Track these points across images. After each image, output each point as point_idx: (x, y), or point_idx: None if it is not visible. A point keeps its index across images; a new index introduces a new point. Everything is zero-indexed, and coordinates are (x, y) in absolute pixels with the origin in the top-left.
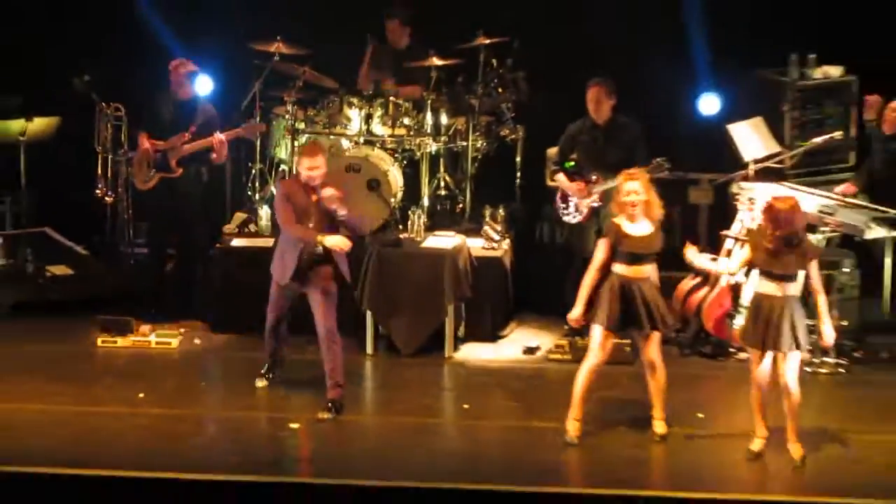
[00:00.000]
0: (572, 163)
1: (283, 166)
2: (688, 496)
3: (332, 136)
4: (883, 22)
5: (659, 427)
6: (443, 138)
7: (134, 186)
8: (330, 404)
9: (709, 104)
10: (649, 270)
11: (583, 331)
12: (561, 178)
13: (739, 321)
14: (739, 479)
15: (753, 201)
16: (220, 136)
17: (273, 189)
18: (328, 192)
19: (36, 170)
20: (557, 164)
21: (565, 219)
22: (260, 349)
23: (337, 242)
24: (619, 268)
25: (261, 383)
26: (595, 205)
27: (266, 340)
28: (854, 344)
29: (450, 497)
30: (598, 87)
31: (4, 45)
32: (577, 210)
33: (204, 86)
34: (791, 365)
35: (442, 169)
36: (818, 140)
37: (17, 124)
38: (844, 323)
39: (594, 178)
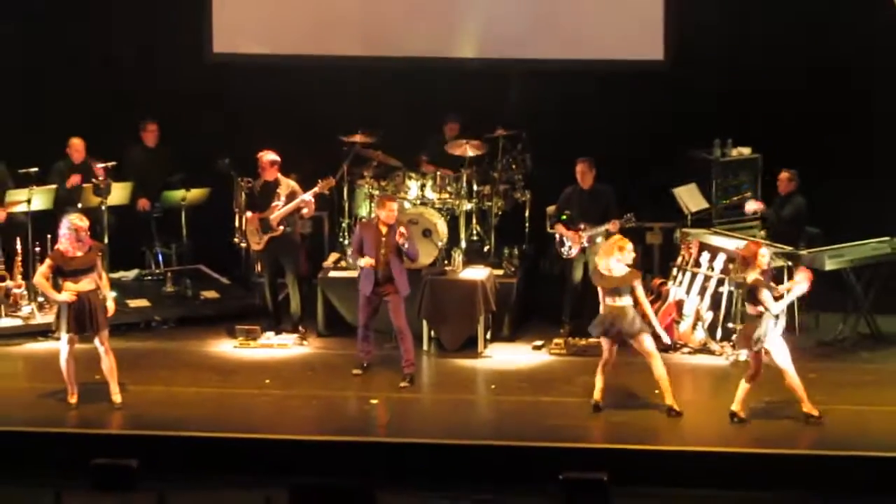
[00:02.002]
0: (566, 216)
1: (363, 220)
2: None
3: (397, 199)
4: (776, 115)
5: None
6: (474, 200)
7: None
8: (407, 377)
9: (659, 174)
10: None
11: (574, 332)
12: (559, 227)
13: (684, 326)
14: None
15: (690, 242)
16: (305, 197)
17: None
18: (402, 228)
19: (193, 225)
20: (556, 218)
21: (563, 255)
22: (351, 348)
23: (368, 262)
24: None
25: (357, 371)
26: (584, 245)
27: (358, 340)
28: None
29: (481, 450)
30: (584, 163)
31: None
32: (571, 249)
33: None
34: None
35: (474, 221)
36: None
37: (179, 193)
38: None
39: (582, 226)
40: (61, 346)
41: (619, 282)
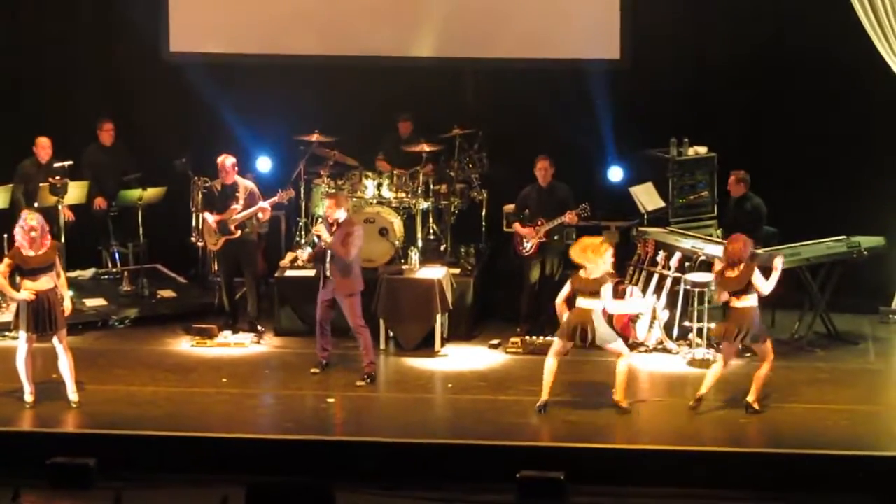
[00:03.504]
0: (524, 215)
1: (319, 220)
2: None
3: (354, 199)
4: (733, 114)
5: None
6: (431, 199)
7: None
8: (366, 375)
9: (615, 173)
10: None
11: (531, 331)
12: (517, 226)
13: (641, 326)
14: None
15: (647, 241)
16: (263, 205)
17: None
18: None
19: (149, 224)
20: (514, 216)
21: (521, 254)
22: (307, 347)
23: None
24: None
25: (315, 370)
26: (542, 240)
27: (317, 339)
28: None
29: (438, 449)
30: (545, 160)
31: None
32: (528, 248)
33: (264, 165)
34: None
35: (430, 220)
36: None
37: (136, 192)
38: (712, 325)
39: (540, 222)
40: (19, 344)
41: (595, 284)
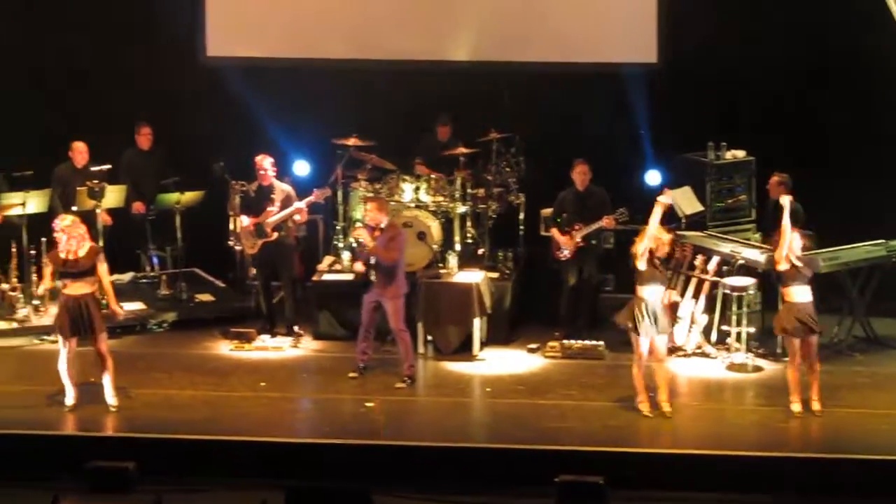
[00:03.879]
0: (561, 219)
1: (358, 223)
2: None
3: (392, 203)
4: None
5: (665, 406)
6: (469, 203)
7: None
8: (406, 378)
9: (652, 177)
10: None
11: (569, 335)
12: (554, 231)
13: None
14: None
15: (685, 245)
16: (299, 205)
17: (353, 240)
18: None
19: (187, 228)
20: (551, 221)
21: (559, 257)
22: (345, 351)
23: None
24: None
25: (353, 374)
26: (580, 244)
27: (358, 342)
28: (758, 344)
29: (477, 453)
30: (583, 164)
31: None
32: (566, 252)
33: (301, 169)
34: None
35: (468, 224)
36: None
37: (174, 196)
38: (752, 329)
39: (577, 227)
40: (59, 348)
41: (654, 276)
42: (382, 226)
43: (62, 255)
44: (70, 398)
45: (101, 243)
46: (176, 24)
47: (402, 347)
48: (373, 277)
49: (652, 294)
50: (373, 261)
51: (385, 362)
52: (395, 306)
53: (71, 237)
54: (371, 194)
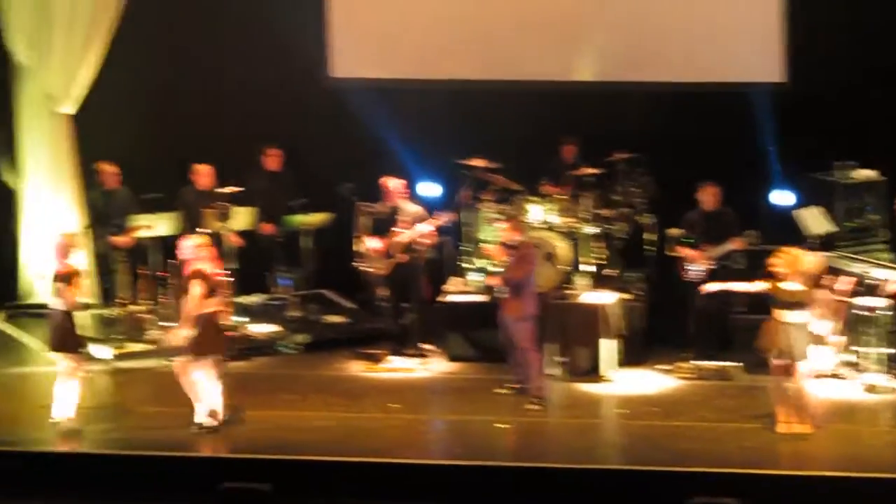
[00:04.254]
0: (689, 239)
1: (484, 245)
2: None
3: (512, 220)
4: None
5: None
6: (596, 223)
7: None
8: (534, 399)
9: (780, 197)
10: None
11: (700, 356)
12: (682, 250)
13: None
14: None
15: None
16: (424, 227)
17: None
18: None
19: (316, 249)
20: (678, 241)
21: (688, 278)
22: (475, 372)
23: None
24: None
25: (498, 390)
26: (710, 266)
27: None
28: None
29: (610, 475)
30: (711, 186)
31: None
32: (694, 272)
33: (428, 190)
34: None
35: (596, 244)
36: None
37: (302, 218)
38: (890, 350)
39: (705, 248)
40: (196, 368)
41: (792, 296)
42: (515, 244)
43: (206, 271)
44: (212, 416)
45: (229, 265)
46: (302, 45)
47: (531, 368)
48: (503, 295)
49: (794, 316)
50: (503, 279)
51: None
52: (523, 326)
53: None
54: (496, 215)
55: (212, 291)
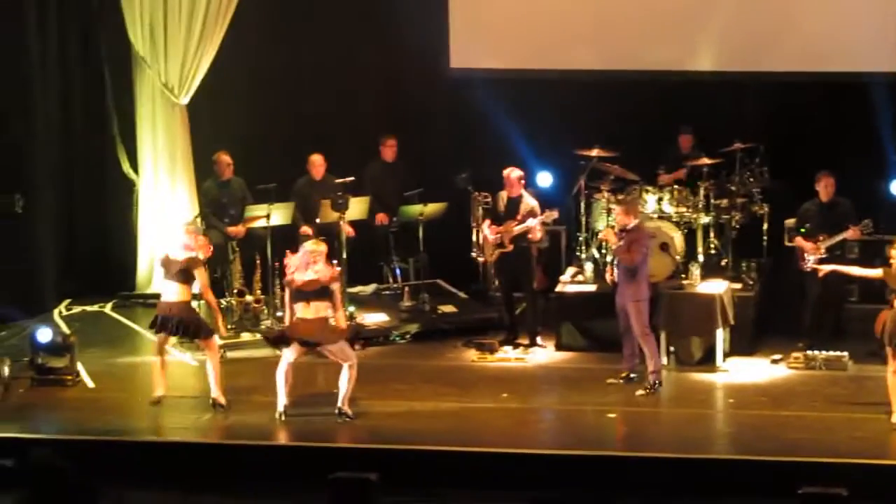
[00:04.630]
0: (805, 229)
1: (601, 234)
2: None
3: (625, 204)
4: None
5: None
6: (712, 213)
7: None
8: (649, 384)
9: None
10: None
11: (813, 346)
12: (798, 240)
13: None
14: None
15: None
16: (533, 223)
17: (595, 252)
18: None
19: (430, 239)
20: (795, 231)
21: (805, 267)
22: (586, 362)
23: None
24: None
25: (610, 380)
26: (823, 255)
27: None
28: None
29: (719, 464)
30: (828, 177)
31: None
32: (810, 261)
33: (544, 180)
34: None
35: (711, 235)
36: None
37: (417, 208)
38: None
39: (821, 237)
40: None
41: None
42: (629, 228)
43: (299, 277)
44: (282, 405)
45: (343, 255)
46: (421, 35)
47: (647, 352)
48: (617, 280)
49: None
50: (617, 263)
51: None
52: (638, 309)
53: (310, 257)
54: (613, 206)
55: (302, 294)
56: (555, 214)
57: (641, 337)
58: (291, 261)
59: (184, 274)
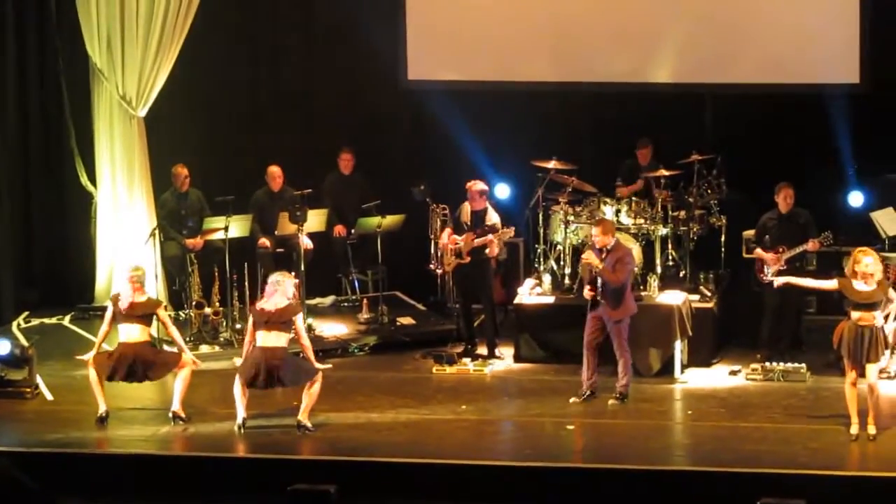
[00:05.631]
0: (763, 241)
1: (558, 246)
2: None
3: (591, 226)
4: None
5: (871, 429)
6: (669, 225)
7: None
8: (619, 394)
9: (856, 199)
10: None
11: (771, 358)
12: (758, 251)
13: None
14: None
15: (889, 267)
16: (491, 238)
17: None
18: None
19: (388, 251)
20: (754, 242)
21: (763, 279)
22: (545, 374)
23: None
24: (854, 314)
25: (573, 399)
26: (783, 268)
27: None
28: None
29: (678, 476)
30: (787, 188)
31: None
32: (769, 274)
33: (502, 192)
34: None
35: (669, 247)
36: None
37: (375, 220)
38: None
39: (781, 249)
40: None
41: (867, 296)
42: (609, 247)
43: (265, 308)
44: (240, 418)
45: (302, 268)
46: (378, 47)
47: (622, 365)
48: (599, 298)
49: (867, 317)
50: (599, 281)
51: (580, 385)
52: (621, 328)
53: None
54: (571, 218)
55: (264, 323)
56: (511, 232)
57: (621, 350)
58: None
59: (144, 317)
